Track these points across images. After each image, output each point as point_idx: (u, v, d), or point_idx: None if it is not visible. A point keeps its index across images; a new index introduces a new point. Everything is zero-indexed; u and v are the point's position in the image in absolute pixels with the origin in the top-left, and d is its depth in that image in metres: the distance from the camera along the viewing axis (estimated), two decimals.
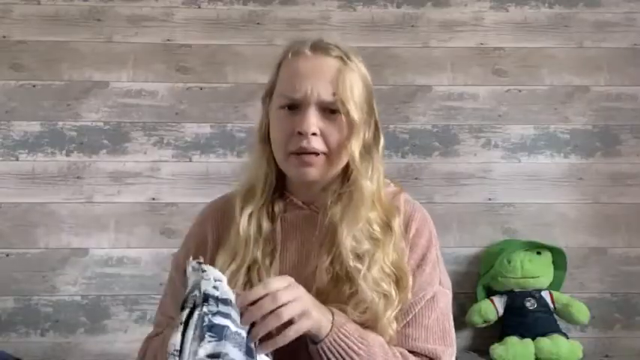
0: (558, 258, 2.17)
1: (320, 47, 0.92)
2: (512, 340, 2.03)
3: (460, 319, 2.19)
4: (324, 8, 2.37)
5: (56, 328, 2.16)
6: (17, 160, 2.22)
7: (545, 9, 2.41)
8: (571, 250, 2.21)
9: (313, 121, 0.88)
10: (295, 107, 0.90)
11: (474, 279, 2.21)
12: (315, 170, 0.91)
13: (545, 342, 2.01)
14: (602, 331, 2.25)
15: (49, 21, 2.29)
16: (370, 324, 0.87)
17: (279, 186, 1.00)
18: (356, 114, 0.89)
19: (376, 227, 0.91)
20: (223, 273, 0.81)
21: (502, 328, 2.12)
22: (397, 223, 0.93)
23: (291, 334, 0.78)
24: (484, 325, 2.14)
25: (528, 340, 2.02)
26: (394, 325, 0.88)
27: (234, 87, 2.29)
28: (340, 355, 0.83)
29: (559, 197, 2.31)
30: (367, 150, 0.94)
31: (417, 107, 2.33)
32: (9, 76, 2.26)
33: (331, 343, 0.82)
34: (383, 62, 2.34)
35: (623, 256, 2.29)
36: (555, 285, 2.17)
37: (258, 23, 2.34)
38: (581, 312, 2.10)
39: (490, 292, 2.18)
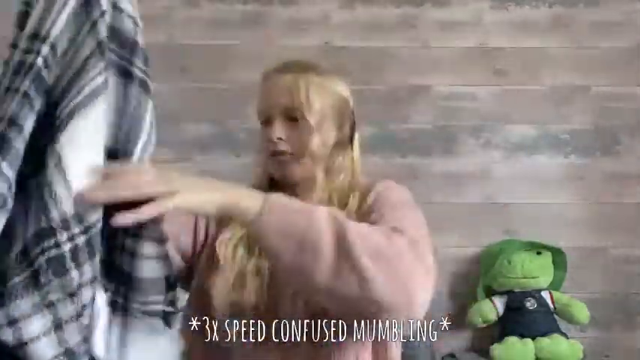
0: (558, 258, 2.17)
1: (283, 68, 1.07)
2: (512, 340, 2.03)
3: (460, 319, 2.19)
4: (324, 8, 2.37)
5: None
6: None
7: (545, 9, 2.41)
8: (571, 250, 2.21)
9: (277, 128, 1.04)
10: (268, 121, 1.06)
11: (474, 279, 2.21)
12: (288, 168, 1.05)
13: (545, 342, 2.01)
14: (602, 331, 2.25)
15: None
16: None
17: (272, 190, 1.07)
18: (312, 118, 1.03)
19: (334, 207, 1.00)
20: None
21: (502, 328, 2.12)
22: (353, 203, 1.03)
23: (151, 209, 0.72)
24: (484, 325, 2.14)
25: (528, 340, 2.02)
26: None
27: (234, 87, 2.29)
28: (285, 211, 0.79)
29: (559, 197, 2.31)
30: (338, 148, 1.08)
31: (417, 107, 2.33)
32: None
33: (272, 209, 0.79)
34: (383, 62, 2.34)
35: (623, 256, 2.29)
36: (555, 285, 2.17)
37: (258, 23, 2.34)
38: (581, 312, 2.10)
39: (490, 292, 2.18)
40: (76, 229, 0.68)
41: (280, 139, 1.04)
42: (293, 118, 1.04)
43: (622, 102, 2.36)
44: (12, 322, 0.65)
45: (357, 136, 1.13)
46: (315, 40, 2.33)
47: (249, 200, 0.79)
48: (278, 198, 0.81)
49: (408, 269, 0.77)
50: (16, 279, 0.66)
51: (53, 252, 0.67)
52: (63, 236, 0.67)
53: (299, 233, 0.77)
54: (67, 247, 0.67)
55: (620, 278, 2.28)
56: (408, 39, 2.37)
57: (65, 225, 0.67)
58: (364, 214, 0.96)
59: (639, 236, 2.29)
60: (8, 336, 0.65)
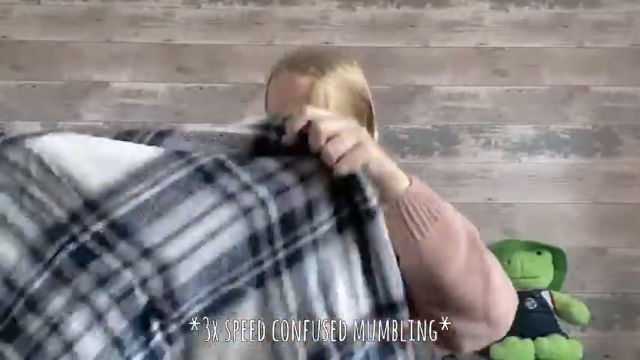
0: (558, 258, 2.17)
1: (295, 65, 0.99)
2: (512, 340, 2.03)
3: None
4: (324, 8, 2.36)
5: None
6: None
7: (545, 9, 2.41)
8: (571, 250, 2.21)
9: None
10: None
11: None
12: None
13: (545, 342, 2.01)
14: (602, 331, 2.25)
15: (49, 21, 2.29)
16: None
17: None
18: None
19: None
20: None
21: None
22: None
23: (360, 153, 0.70)
24: None
25: (528, 340, 2.02)
26: None
27: (234, 87, 2.29)
28: (427, 203, 0.79)
29: (559, 197, 2.31)
30: None
31: (417, 107, 2.33)
32: (9, 76, 2.25)
33: (417, 189, 0.80)
34: (383, 62, 2.33)
35: (623, 256, 2.29)
36: (555, 285, 2.17)
37: (258, 23, 2.34)
38: (581, 312, 2.10)
39: None
40: (89, 219, 0.66)
41: None
42: None
43: (622, 102, 2.36)
44: (53, 328, 0.64)
45: (376, 134, 1.06)
46: (315, 41, 2.33)
47: (400, 176, 0.80)
48: (421, 183, 0.82)
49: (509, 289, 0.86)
50: (37, 284, 0.65)
51: (71, 246, 0.66)
52: (77, 229, 0.66)
53: (443, 220, 0.78)
54: (86, 237, 0.66)
55: (620, 278, 2.28)
56: (408, 39, 2.37)
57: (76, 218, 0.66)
58: None
59: (639, 236, 2.30)
60: (55, 345, 0.63)
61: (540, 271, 2.13)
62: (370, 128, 1.04)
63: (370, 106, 1.05)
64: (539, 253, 2.16)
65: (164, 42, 2.30)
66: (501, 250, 2.14)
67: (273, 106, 1.00)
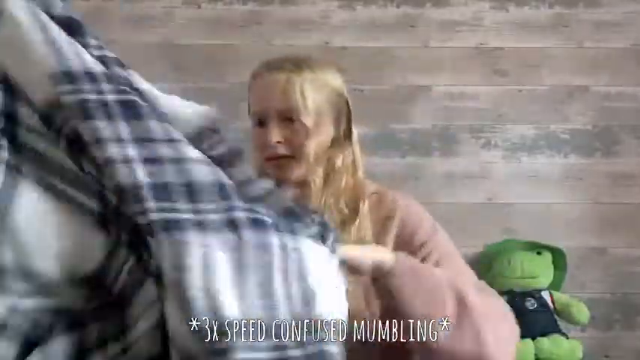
0: (558, 258, 2.17)
1: (273, 66, 1.05)
2: None
3: None
4: (324, 8, 2.36)
5: None
6: None
7: (545, 9, 2.40)
8: (571, 250, 2.21)
9: (274, 132, 1.02)
10: (262, 123, 1.05)
11: None
12: (287, 171, 1.04)
13: (545, 342, 2.01)
14: (602, 331, 2.25)
15: None
16: None
17: None
18: (308, 119, 1.02)
19: (345, 211, 1.03)
20: None
21: None
22: (365, 207, 1.04)
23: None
24: None
25: (528, 340, 2.02)
26: None
27: (234, 87, 2.29)
28: (414, 272, 0.91)
29: (559, 197, 2.31)
30: (335, 145, 1.06)
31: (417, 107, 2.33)
32: None
33: (403, 263, 0.90)
34: (383, 62, 2.33)
35: (623, 256, 2.29)
36: (555, 285, 2.17)
37: (258, 23, 2.34)
38: (581, 312, 2.10)
39: None
40: None
41: (279, 142, 1.02)
42: (289, 119, 1.02)
43: (622, 102, 2.36)
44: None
45: (355, 132, 1.10)
46: (314, 40, 2.33)
47: (386, 257, 0.90)
48: (405, 257, 0.92)
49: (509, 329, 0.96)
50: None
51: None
52: None
53: (427, 291, 0.90)
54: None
55: (620, 278, 2.28)
56: (408, 39, 2.37)
57: None
58: (400, 244, 1.01)
59: (639, 236, 2.30)
60: None
61: (540, 271, 2.13)
62: (348, 126, 1.09)
63: (348, 105, 1.08)
64: (539, 253, 2.16)
65: (164, 42, 2.31)
66: (501, 250, 2.14)
67: (255, 105, 1.07)
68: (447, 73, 2.35)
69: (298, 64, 1.04)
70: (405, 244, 1.02)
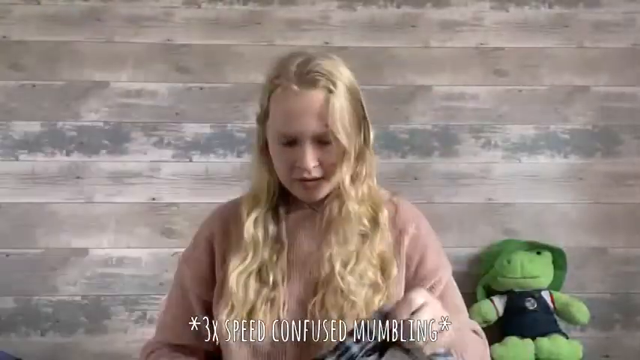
0: (558, 258, 2.17)
1: (306, 80, 0.94)
2: (513, 340, 2.03)
3: None
4: (324, 8, 2.37)
5: (56, 328, 2.16)
6: (17, 160, 2.22)
7: (545, 9, 2.41)
8: (571, 250, 2.21)
9: (311, 156, 0.96)
10: (293, 143, 0.97)
11: (474, 279, 2.21)
12: (317, 192, 1.00)
13: (545, 342, 2.01)
14: (602, 331, 2.25)
15: (49, 21, 2.29)
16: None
17: (282, 191, 1.06)
18: (346, 140, 0.96)
19: (366, 222, 1.01)
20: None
21: (502, 328, 2.12)
22: (384, 217, 1.02)
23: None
24: (484, 325, 2.14)
25: (528, 340, 2.02)
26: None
27: (234, 87, 2.29)
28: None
29: (559, 197, 2.31)
30: (360, 156, 1.02)
31: (417, 107, 2.33)
32: (9, 76, 2.25)
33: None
34: (383, 62, 2.34)
35: (623, 256, 2.29)
36: (555, 285, 2.17)
37: (258, 23, 2.34)
38: (581, 312, 2.11)
39: (490, 292, 2.18)
40: None
41: (315, 165, 0.97)
42: (325, 141, 0.96)
43: (622, 102, 2.36)
44: None
45: (372, 135, 1.04)
46: (315, 41, 2.33)
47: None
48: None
49: None
50: None
51: None
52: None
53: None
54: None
55: (620, 278, 2.28)
56: (408, 39, 2.37)
57: None
58: (409, 265, 1.03)
59: (639, 236, 2.30)
60: None
61: (540, 271, 2.13)
62: (368, 130, 1.04)
63: (363, 107, 1.03)
64: (539, 253, 2.16)
65: (164, 42, 2.31)
66: (501, 250, 2.14)
67: (285, 126, 0.96)
68: (447, 73, 2.35)
69: (331, 79, 0.95)
70: (415, 265, 1.04)
